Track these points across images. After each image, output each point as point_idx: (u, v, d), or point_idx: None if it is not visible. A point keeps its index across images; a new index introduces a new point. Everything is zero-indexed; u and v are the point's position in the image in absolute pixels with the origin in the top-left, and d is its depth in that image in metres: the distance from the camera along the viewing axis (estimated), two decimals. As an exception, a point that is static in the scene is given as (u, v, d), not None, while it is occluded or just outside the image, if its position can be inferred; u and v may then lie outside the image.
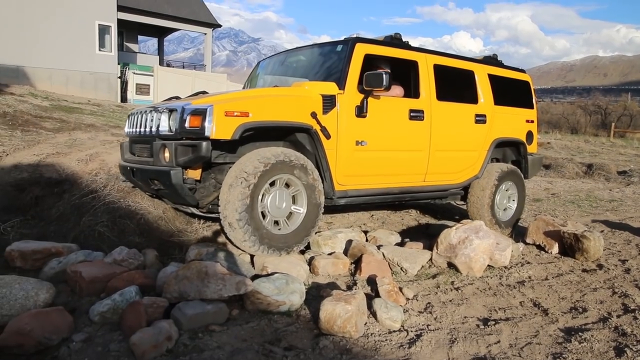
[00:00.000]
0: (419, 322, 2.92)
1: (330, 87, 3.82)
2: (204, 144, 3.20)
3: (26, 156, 6.43)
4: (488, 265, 3.88)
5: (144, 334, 2.34)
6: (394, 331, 2.78)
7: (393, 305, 2.93)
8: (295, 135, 3.76)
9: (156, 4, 22.80)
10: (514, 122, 5.37)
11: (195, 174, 3.45)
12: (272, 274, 3.18)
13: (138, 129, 3.78)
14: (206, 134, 3.17)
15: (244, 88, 5.17)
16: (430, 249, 3.98)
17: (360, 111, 3.88)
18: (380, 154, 4.14)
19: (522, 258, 4.26)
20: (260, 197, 3.38)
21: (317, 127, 3.66)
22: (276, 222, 3.55)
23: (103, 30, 17.71)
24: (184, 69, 27.13)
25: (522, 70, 5.72)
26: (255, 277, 3.11)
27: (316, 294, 3.18)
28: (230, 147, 3.51)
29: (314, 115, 3.64)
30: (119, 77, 19.35)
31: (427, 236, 4.62)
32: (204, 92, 4.06)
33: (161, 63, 25.77)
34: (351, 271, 3.68)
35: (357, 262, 3.69)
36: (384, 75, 3.67)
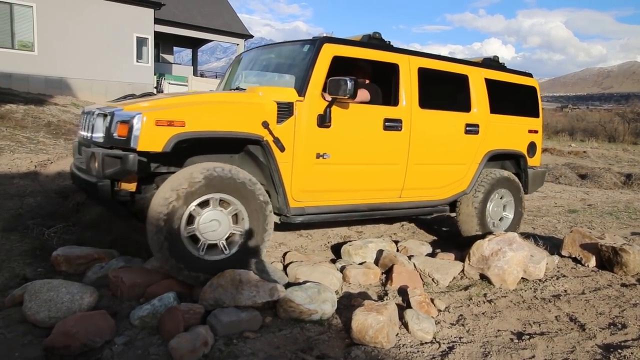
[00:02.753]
0: (451, 334, 2.90)
1: (288, 94, 3.45)
2: (131, 156, 2.88)
3: (69, 164, 6.73)
4: (522, 278, 3.82)
5: (182, 339, 2.42)
6: (426, 343, 2.78)
7: (425, 317, 2.93)
8: (248, 147, 3.43)
9: (191, 16, 23.44)
10: (513, 133, 4.89)
11: (130, 185, 3.11)
12: (305, 282, 3.23)
13: (82, 131, 3.49)
14: (132, 145, 2.87)
15: (220, 82, 4.83)
16: (462, 260, 3.95)
17: (323, 120, 3.49)
18: (346, 167, 3.75)
19: (558, 271, 4.16)
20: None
21: (269, 138, 3.32)
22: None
23: (141, 43, 18.32)
24: (216, 78, 27.73)
25: (529, 75, 5.21)
26: (287, 286, 3.16)
27: (347, 303, 3.21)
28: (174, 157, 3.14)
29: (265, 124, 3.28)
30: (155, 87, 19.97)
31: (458, 247, 4.58)
32: (149, 94, 3.79)
33: (195, 73, 26.45)
34: (382, 281, 3.69)
35: (388, 272, 3.70)
36: (347, 82, 3.29)
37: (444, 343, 2.78)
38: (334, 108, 3.55)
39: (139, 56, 18.41)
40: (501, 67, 4.93)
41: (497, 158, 4.91)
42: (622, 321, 3.17)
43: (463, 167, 4.51)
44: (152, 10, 18.54)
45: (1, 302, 2.89)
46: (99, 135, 3.15)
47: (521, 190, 5.02)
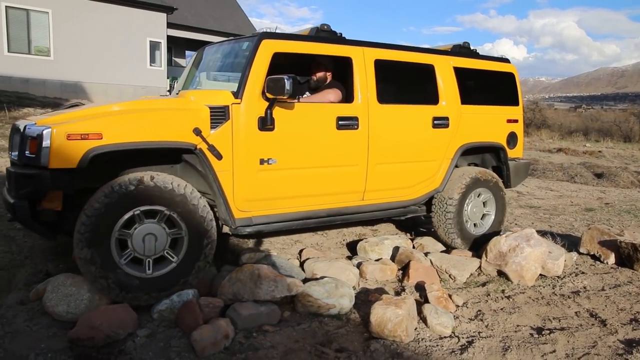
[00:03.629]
0: (470, 329, 2.89)
1: (222, 97, 3.18)
2: (44, 174, 2.63)
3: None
4: (540, 275, 3.79)
5: (204, 331, 2.46)
6: (445, 337, 2.77)
7: (443, 312, 2.93)
8: (184, 156, 3.17)
9: (202, 20, 23.67)
10: (489, 124, 4.53)
11: (53, 204, 2.82)
12: (322, 278, 3.24)
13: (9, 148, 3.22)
14: (42, 163, 2.62)
15: (177, 85, 4.46)
16: (479, 257, 3.93)
17: (265, 123, 3.21)
18: (296, 172, 3.45)
19: (576, 268, 4.12)
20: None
21: (202, 146, 3.04)
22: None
23: (154, 47, 18.55)
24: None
25: (505, 60, 4.79)
26: (305, 281, 3.18)
27: (365, 298, 3.22)
28: (106, 170, 2.88)
29: (197, 131, 3.01)
30: (168, 91, 20.18)
31: (475, 244, 4.55)
32: (76, 105, 3.53)
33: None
34: (398, 277, 3.69)
35: (405, 269, 3.69)
36: (285, 81, 3.03)
37: (463, 337, 2.77)
38: (278, 109, 3.27)
39: (152, 60, 18.63)
40: (473, 54, 4.58)
41: (474, 152, 4.60)
42: (644, 317, 3.13)
43: (433, 163, 4.20)
44: (165, 14, 18.76)
45: (25, 296, 2.95)
46: (15, 153, 2.91)
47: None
